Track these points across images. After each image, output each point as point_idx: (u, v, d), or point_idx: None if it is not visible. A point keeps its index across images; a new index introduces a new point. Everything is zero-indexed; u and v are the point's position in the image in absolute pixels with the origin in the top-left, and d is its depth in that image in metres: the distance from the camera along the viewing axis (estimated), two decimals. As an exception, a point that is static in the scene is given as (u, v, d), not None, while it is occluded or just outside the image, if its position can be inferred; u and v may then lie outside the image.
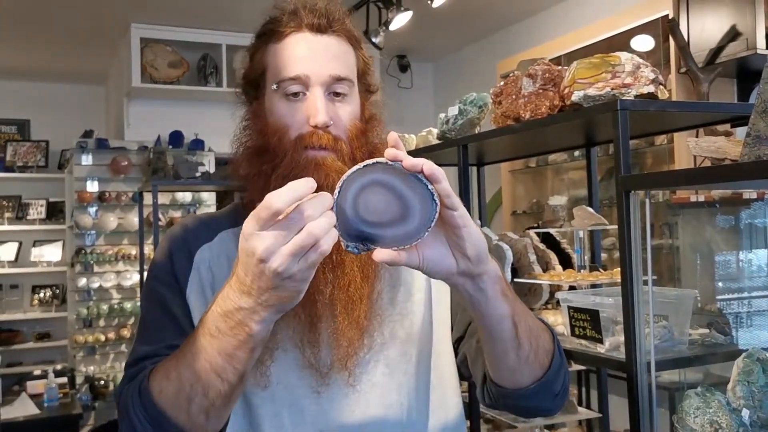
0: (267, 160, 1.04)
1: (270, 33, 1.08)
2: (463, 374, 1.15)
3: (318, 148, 1.02)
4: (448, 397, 1.12)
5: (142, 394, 0.93)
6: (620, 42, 4.04)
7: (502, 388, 1.02)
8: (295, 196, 0.76)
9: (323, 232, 0.76)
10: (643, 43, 4.01)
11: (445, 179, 0.78)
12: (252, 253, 0.77)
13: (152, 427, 0.92)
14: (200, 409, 0.89)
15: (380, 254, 0.79)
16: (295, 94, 1.05)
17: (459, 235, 0.82)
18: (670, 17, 3.57)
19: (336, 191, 0.78)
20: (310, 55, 1.05)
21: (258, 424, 1.04)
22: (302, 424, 1.03)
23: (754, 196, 2.80)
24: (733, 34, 3.29)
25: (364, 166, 0.78)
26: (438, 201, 0.78)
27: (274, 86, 1.06)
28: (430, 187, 0.77)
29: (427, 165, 0.77)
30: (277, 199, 0.75)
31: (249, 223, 0.77)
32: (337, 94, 1.05)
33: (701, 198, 3.18)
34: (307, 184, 0.77)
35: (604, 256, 3.47)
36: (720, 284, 2.62)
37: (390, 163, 0.78)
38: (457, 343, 1.14)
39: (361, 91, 1.11)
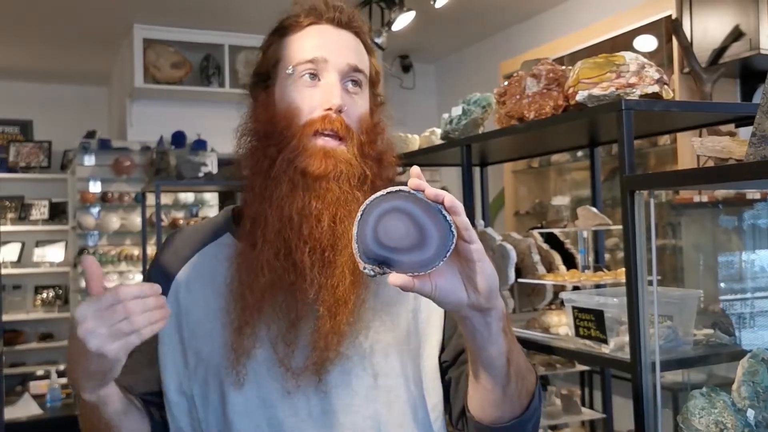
0: (273, 143, 1.03)
1: (287, 27, 1.09)
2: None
3: (329, 132, 1.02)
4: (428, 415, 1.10)
5: None
6: (623, 42, 4.04)
7: (478, 423, 1.02)
8: (136, 294, 0.87)
9: (144, 322, 0.87)
10: (646, 43, 4.01)
11: (464, 213, 0.80)
12: (73, 335, 0.89)
13: None
14: None
15: (395, 278, 0.81)
16: (312, 76, 1.04)
17: (473, 268, 0.83)
18: (673, 17, 3.57)
19: (359, 214, 0.81)
20: (329, 42, 1.06)
21: (231, 422, 1.04)
22: (275, 424, 1.03)
23: (757, 196, 2.80)
24: (736, 35, 3.28)
25: (387, 193, 0.81)
26: (455, 232, 0.80)
27: (289, 70, 1.05)
28: (449, 218, 0.80)
29: (448, 197, 0.80)
30: (124, 291, 0.86)
31: (89, 303, 0.88)
32: (354, 84, 1.06)
33: (704, 198, 3.18)
34: (152, 287, 0.89)
35: (607, 256, 3.47)
36: (723, 285, 2.62)
37: (413, 192, 0.80)
38: (446, 367, 1.12)
39: (371, 97, 1.12)
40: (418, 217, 0.80)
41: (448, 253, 0.80)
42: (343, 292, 1.00)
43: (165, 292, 1.08)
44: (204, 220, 1.23)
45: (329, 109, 1.02)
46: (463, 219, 0.80)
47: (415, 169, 0.83)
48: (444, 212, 0.80)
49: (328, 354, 1.01)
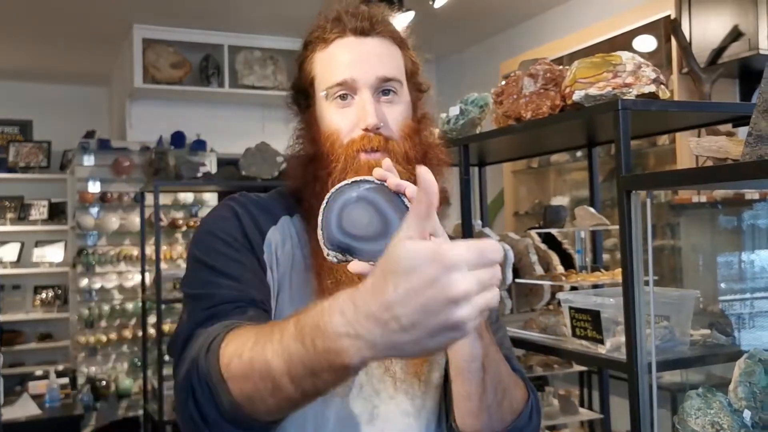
0: (322, 165, 1.05)
1: (315, 41, 1.09)
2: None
3: (370, 150, 1.03)
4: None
5: (210, 353, 0.82)
6: (622, 42, 4.03)
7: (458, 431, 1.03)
8: (499, 258, 0.65)
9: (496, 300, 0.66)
10: (646, 43, 4.00)
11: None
12: (444, 287, 0.60)
13: (209, 391, 0.81)
14: (262, 401, 0.77)
15: (355, 266, 0.81)
16: (344, 97, 1.05)
17: None
18: (672, 18, 3.57)
19: (324, 202, 0.82)
20: (355, 59, 1.05)
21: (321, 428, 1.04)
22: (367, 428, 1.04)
23: (756, 196, 2.80)
24: (735, 35, 3.28)
25: (352, 182, 0.82)
26: None
27: (323, 93, 1.07)
28: None
29: (410, 188, 0.80)
30: (494, 250, 0.64)
31: (457, 254, 0.61)
32: (386, 94, 1.06)
33: (703, 199, 3.17)
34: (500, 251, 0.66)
35: (606, 257, 3.47)
36: (722, 285, 2.62)
37: (377, 182, 0.82)
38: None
39: (412, 91, 1.11)
40: (381, 206, 0.81)
41: None
42: None
43: (261, 240, 1.05)
44: (260, 195, 1.14)
45: (366, 129, 1.03)
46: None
47: (386, 162, 0.84)
48: (407, 203, 0.81)
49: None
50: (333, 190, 0.82)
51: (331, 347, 0.66)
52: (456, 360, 0.94)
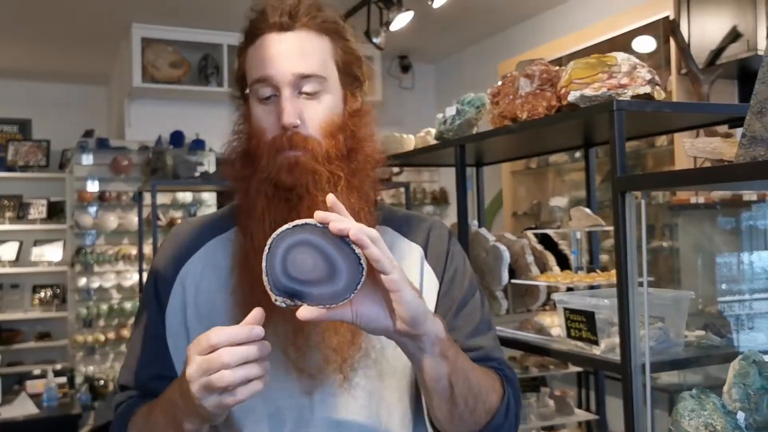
0: (248, 162, 1.06)
1: (246, 35, 1.08)
2: None
3: (289, 149, 1.02)
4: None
5: None
6: (621, 43, 4.03)
7: (436, 430, 1.04)
8: (230, 339, 0.81)
9: (234, 380, 0.80)
10: (645, 44, 4.00)
11: (374, 244, 0.80)
12: (184, 371, 0.85)
13: None
14: None
15: (304, 312, 0.81)
16: (266, 95, 1.04)
17: (393, 298, 0.83)
18: (671, 18, 3.56)
19: (266, 247, 0.82)
20: (273, 56, 1.04)
21: (236, 419, 1.04)
22: (279, 423, 1.03)
23: (754, 198, 2.80)
24: (734, 36, 3.27)
25: (294, 226, 0.82)
26: (365, 265, 0.81)
27: (248, 90, 1.07)
28: (357, 251, 0.80)
29: (354, 230, 0.79)
30: (215, 335, 0.82)
31: (193, 344, 0.85)
32: (307, 91, 1.04)
33: (701, 200, 3.17)
34: (250, 331, 0.82)
35: (605, 257, 3.47)
36: (721, 286, 2.61)
37: (318, 225, 0.81)
38: None
39: (344, 83, 1.09)
40: (326, 250, 0.81)
41: (359, 286, 0.81)
42: None
43: (170, 285, 1.11)
44: (210, 213, 1.23)
45: (284, 127, 1.02)
46: (372, 251, 0.80)
47: (330, 198, 0.85)
48: (351, 245, 0.80)
49: (343, 354, 1.01)
50: (274, 235, 0.82)
51: (173, 415, 0.91)
52: (421, 380, 0.95)
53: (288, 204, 1.02)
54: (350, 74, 1.09)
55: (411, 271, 1.11)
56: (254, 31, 1.06)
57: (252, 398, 1.00)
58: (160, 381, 1.05)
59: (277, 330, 1.00)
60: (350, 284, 0.80)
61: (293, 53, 1.03)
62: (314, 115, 1.04)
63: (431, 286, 1.12)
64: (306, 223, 0.82)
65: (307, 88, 1.03)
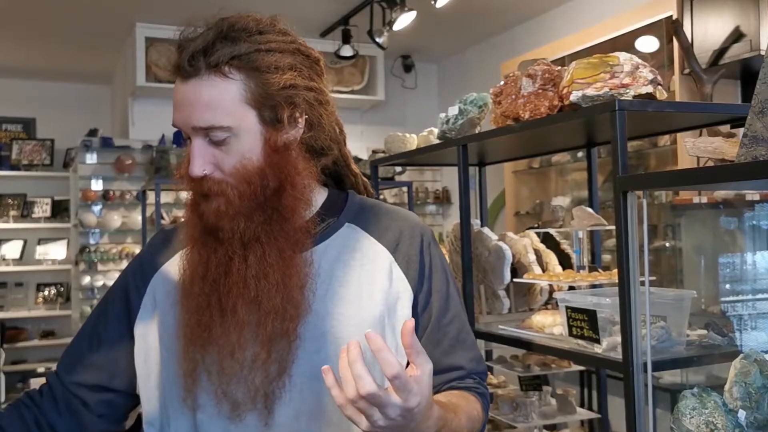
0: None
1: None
2: None
3: (208, 194, 1.01)
4: None
5: None
6: (624, 43, 4.03)
7: None
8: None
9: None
10: (647, 44, 4.00)
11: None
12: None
13: None
14: None
15: None
16: (187, 139, 1.04)
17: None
18: (674, 18, 3.56)
19: None
20: (178, 105, 1.02)
21: None
22: None
23: (757, 197, 2.80)
24: (736, 36, 3.27)
25: None
26: None
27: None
28: None
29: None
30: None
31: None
32: (214, 142, 1.00)
33: (704, 199, 3.17)
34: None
35: (608, 257, 3.47)
36: (723, 286, 2.62)
37: None
38: None
39: (264, 121, 1.01)
40: None
41: None
42: (281, 322, 0.99)
43: (142, 293, 1.13)
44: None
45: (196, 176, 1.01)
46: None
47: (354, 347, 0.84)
48: None
49: (267, 387, 0.99)
50: None
51: None
52: None
53: (216, 238, 1.03)
54: (272, 108, 1.01)
55: (378, 276, 1.08)
56: (172, 68, 1.04)
57: (196, 419, 1.04)
58: (79, 387, 1.12)
59: (211, 351, 1.01)
60: None
61: (194, 105, 0.99)
62: (225, 162, 1.00)
63: (403, 292, 1.09)
64: None
65: (214, 137, 0.99)
